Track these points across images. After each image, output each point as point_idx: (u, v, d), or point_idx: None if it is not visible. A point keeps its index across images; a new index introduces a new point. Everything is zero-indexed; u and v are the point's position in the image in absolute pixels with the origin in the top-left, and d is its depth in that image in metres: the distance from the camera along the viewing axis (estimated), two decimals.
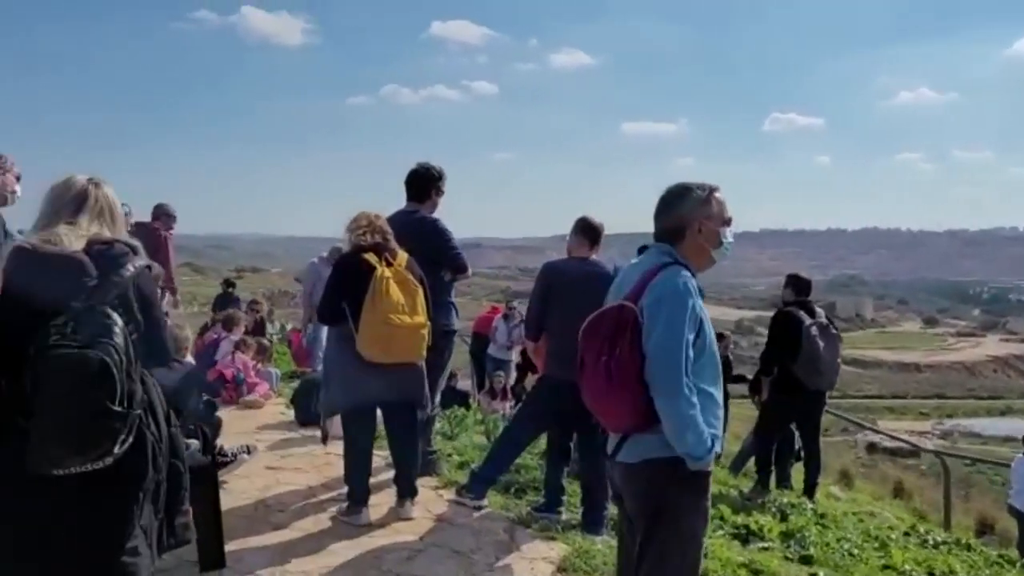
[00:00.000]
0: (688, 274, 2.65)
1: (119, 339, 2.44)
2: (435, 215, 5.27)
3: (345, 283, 4.27)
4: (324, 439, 4.67)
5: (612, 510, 4.80)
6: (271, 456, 5.77)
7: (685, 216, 2.73)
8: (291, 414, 7.12)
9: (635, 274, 2.71)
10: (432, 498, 4.94)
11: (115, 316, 2.48)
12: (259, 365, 8.16)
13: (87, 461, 2.39)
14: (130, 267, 2.61)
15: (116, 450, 2.42)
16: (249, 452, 5.27)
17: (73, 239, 2.53)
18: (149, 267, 2.74)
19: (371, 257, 4.25)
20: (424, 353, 4.37)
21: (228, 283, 14.22)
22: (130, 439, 2.46)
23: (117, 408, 2.40)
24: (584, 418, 4.63)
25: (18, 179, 4.05)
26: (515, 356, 12.57)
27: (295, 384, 9.25)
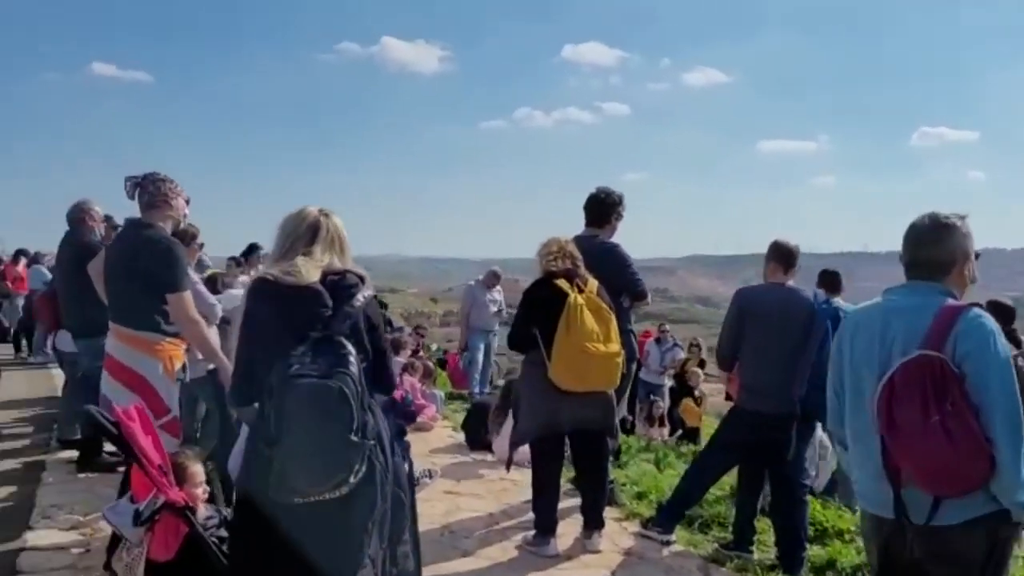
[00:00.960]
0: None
1: (354, 369, 2.46)
2: (614, 239, 5.18)
3: (536, 309, 4.23)
4: (508, 465, 4.63)
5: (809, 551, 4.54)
6: (447, 480, 5.79)
7: (955, 251, 2.49)
8: (459, 436, 7.15)
9: (919, 318, 2.41)
10: (616, 530, 4.81)
11: (349, 346, 2.50)
12: (425, 387, 8.28)
13: (325, 490, 2.41)
14: (360, 297, 2.64)
15: (352, 480, 2.44)
16: (430, 476, 5.30)
17: (310, 269, 2.58)
18: (375, 297, 2.78)
19: (563, 283, 4.19)
20: (618, 381, 4.27)
21: (381, 304, 14.61)
22: (363, 469, 2.47)
23: (354, 438, 2.42)
24: (779, 452, 4.43)
25: (187, 203, 4.21)
26: (667, 381, 12.32)
27: (454, 406, 9.38)
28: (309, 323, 2.50)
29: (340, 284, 2.61)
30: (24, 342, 13.08)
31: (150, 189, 4.00)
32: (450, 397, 9.64)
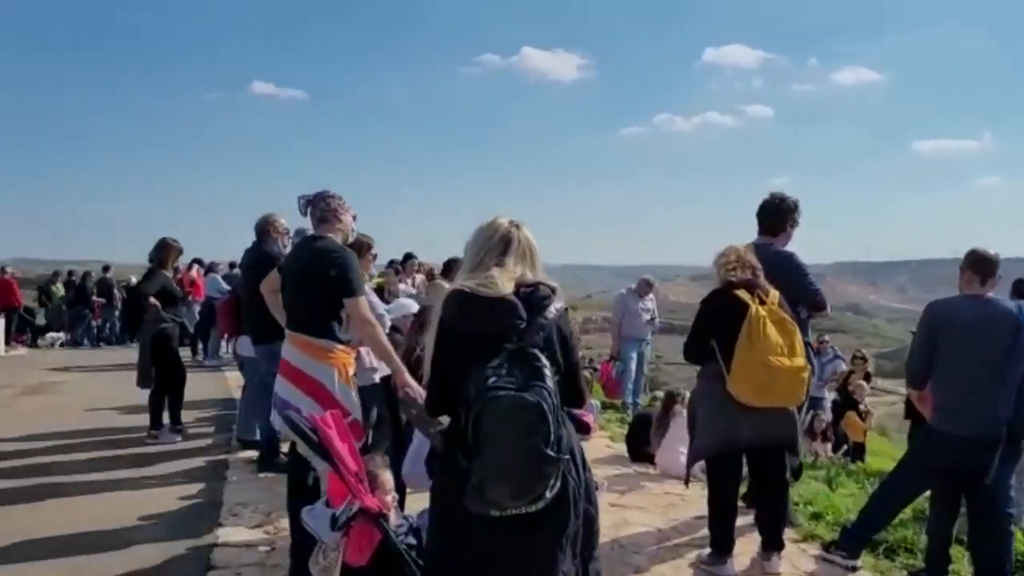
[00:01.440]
0: None
1: (550, 382, 2.43)
2: (789, 248, 4.96)
3: (715, 320, 4.09)
4: (687, 481, 4.50)
5: None
6: (611, 493, 5.72)
7: None
8: (617, 447, 7.06)
9: None
10: (795, 552, 4.58)
11: (543, 358, 2.48)
12: None
13: (522, 504, 2.39)
14: (553, 308, 2.61)
15: (547, 495, 2.41)
16: (597, 488, 5.22)
17: (504, 281, 2.57)
18: (566, 309, 2.75)
19: (743, 294, 4.04)
20: (803, 397, 4.07)
21: None
22: (558, 484, 2.44)
23: (550, 452, 2.39)
24: (978, 477, 4.10)
25: (354, 219, 4.34)
26: (828, 394, 11.78)
27: (607, 415, 9.28)
28: (504, 335, 2.49)
29: (533, 296, 2.59)
30: (200, 346, 14.01)
31: (321, 205, 4.18)
32: (604, 407, 9.54)
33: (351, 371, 4.09)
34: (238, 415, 7.06)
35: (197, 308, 13.76)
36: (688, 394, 5.94)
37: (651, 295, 10.43)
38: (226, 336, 9.68)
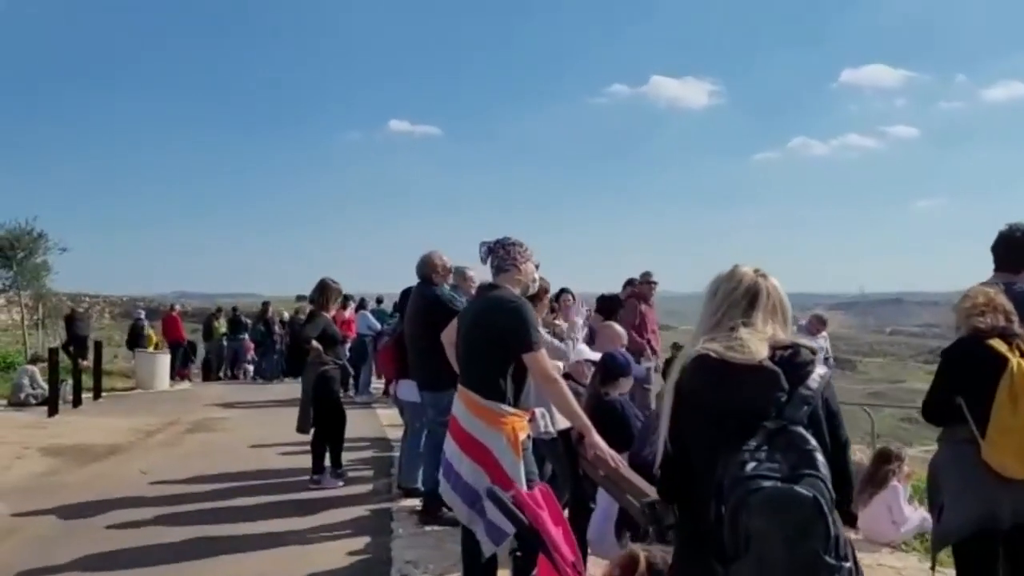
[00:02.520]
0: None
1: (824, 470, 1.96)
2: None
3: (963, 375, 3.47)
4: (932, 565, 3.84)
5: None
6: None
7: None
8: None
9: None
10: None
11: (813, 440, 2.01)
12: None
13: None
14: (816, 376, 2.14)
15: None
16: None
17: (757, 344, 2.13)
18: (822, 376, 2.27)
19: (998, 344, 3.40)
20: None
21: (676, 347, 14.08)
22: None
23: (829, 559, 1.92)
24: None
25: (537, 267, 4.07)
26: None
27: None
28: (762, 410, 2.05)
29: (793, 361, 2.13)
30: (351, 382, 14.15)
31: (500, 253, 3.91)
32: None
33: (522, 436, 3.73)
34: (399, 461, 6.84)
35: (348, 344, 13.90)
36: (903, 452, 5.25)
37: (824, 332, 9.65)
38: (389, 380, 9.53)
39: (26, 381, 12.71)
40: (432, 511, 5.73)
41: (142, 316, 17.54)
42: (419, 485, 6.45)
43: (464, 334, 3.91)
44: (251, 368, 20.14)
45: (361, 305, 13.80)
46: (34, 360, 13.29)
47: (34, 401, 12.34)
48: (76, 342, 15.70)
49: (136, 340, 16.60)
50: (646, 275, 9.40)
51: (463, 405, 3.76)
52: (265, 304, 19.66)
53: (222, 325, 19.40)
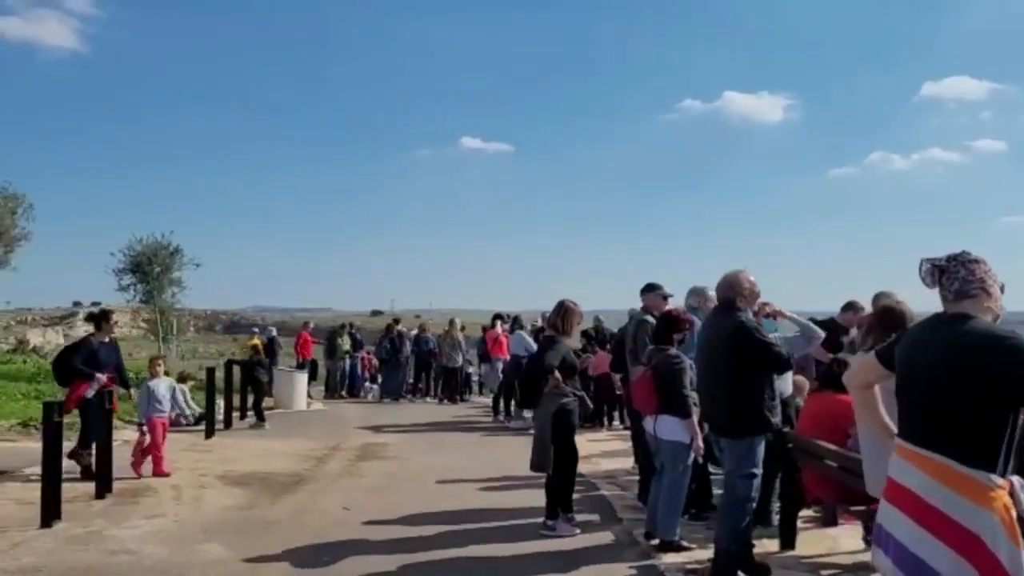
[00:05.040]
0: None
1: None
2: None
3: None
4: None
5: None
6: None
7: None
8: None
9: None
10: None
11: None
12: None
13: None
14: None
15: None
16: None
17: None
18: None
19: None
20: None
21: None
22: None
23: None
24: None
25: (1002, 290, 3.18)
26: None
27: None
28: None
29: None
30: (502, 406, 13.41)
31: (961, 274, 2.99)
32: None
33: (1014, 515, 2.84)
34: (652, 507, 5.98)
35: (500, 366, 13.22)
36: None
37: None
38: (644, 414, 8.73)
39: (179, 399, 12.36)
40: (727, 573, 4.90)
41: (274, 333, 17.22)
42: (677, 537, 5.65)
43: (928, 378, 3.01)
44: (373, 387, 19.71)
45: (516, 324, 13.06)
46: (182, 379, 12.95)
47: (185, 421, 11.96)
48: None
49: (271, 358, 16.26)
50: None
51: (924, 473, 2.89)
52: (393, 321, 19.16)
53: (345, 342, 18.99)
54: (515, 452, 10.24)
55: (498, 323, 13.76)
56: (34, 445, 9.05)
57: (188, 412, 12.12)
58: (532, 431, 11.92)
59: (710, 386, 5.09)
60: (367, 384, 19.66)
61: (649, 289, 7.29)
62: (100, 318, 8.74)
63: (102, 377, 8.05)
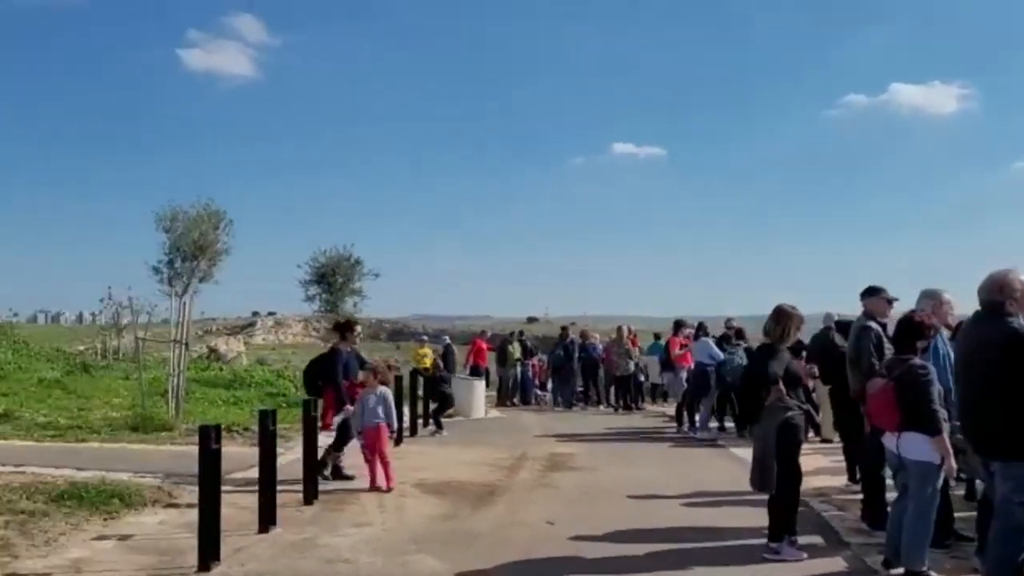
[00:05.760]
0: None
1: None
2: None
3: None
4: None
5: None
6: None
7: None
8: None
9: None
10: None
11: None
12: None
13: None
14: None
15: None
16: None
17: None
18: None
19: None
20: None
21: None
22: None
23: None
24: None
25: None
26: None
27: None
28: None
29: None
30: (685, 416, 12.89)
31: None
32: None
33: None
34: (893, 532, 5.40)
35: (684, 375, 12.75)
36: None
37: None
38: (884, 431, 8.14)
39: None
40: None
41: (448, 341, 17.47)
42: (925, 567, 5.06)
43: None
44: (544, 394, 19.64)
45: (701, 331, 12.54)
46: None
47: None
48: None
49: (449, 366, 16.50)
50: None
51: None
52: (564, 328, 19.04)
53: (516, 350, 19.01)
54: (709, 465, 9.80)
55: (681, 329, 13.26)
56: (237, 450, 9.42)
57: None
58: (721, 443, 11.49)
59: (975, 401, 4.50)
60: (538, 391, 19.61)
61: (871, 292, 6.69)
62: (345, 327, 8.86)
63: (350, 408, 8.17)
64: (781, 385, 5.58)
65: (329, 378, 8.32)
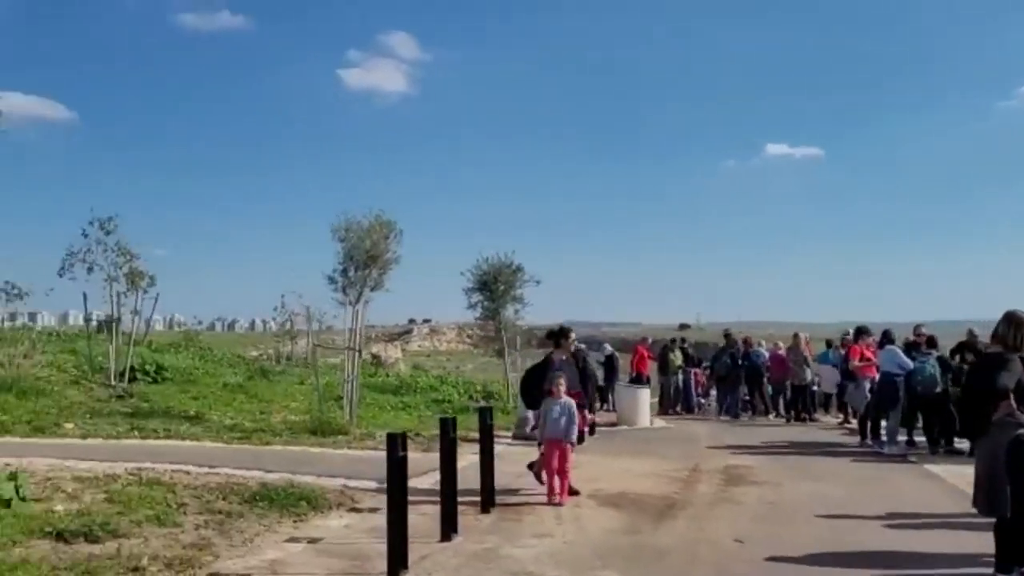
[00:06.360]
0: None
1: None
2: None
3: None
4: None
5: None
6: None
7: None
8: None
9: None
10: None
11: None
12: None
13: None
14: None
15: None
16: None
17: None
18: None
19: None
20: None
21: None
22: None
23: None
24: None
25: None
26: None
27: None
28: None
29: None
30: (869, 429, 12.03)
31: None
32: None
33: None
34: None
35: (868, 385, 11.93)
36: None
37: None
38: None
39: (530, 414, 12.63)
40: None
41: (610, 350, 17.25)
42: None
43: None
44: (707, 403, 19.05)
45: (887, 339, 11.67)
46: None
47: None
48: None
49: (613, 375, 16.30)
50: None
51: None
52: (728, 334, 18.38)
53: (678, 357, 18.52)
54: (903, 483, 9.09)
55: (863, 337, 12.41)
56: (410, 455, 9.52)
57: None
58: (912, 459, 10.64)
59: None
60: (701, 400, 19.03)
61: None
62: (559, 335, 8.67)
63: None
64: (1012, 399, 5.00)
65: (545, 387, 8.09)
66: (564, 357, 8.47)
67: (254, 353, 30.95)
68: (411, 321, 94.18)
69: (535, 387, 8.30)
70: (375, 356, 33.12)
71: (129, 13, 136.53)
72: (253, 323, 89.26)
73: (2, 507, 6.31)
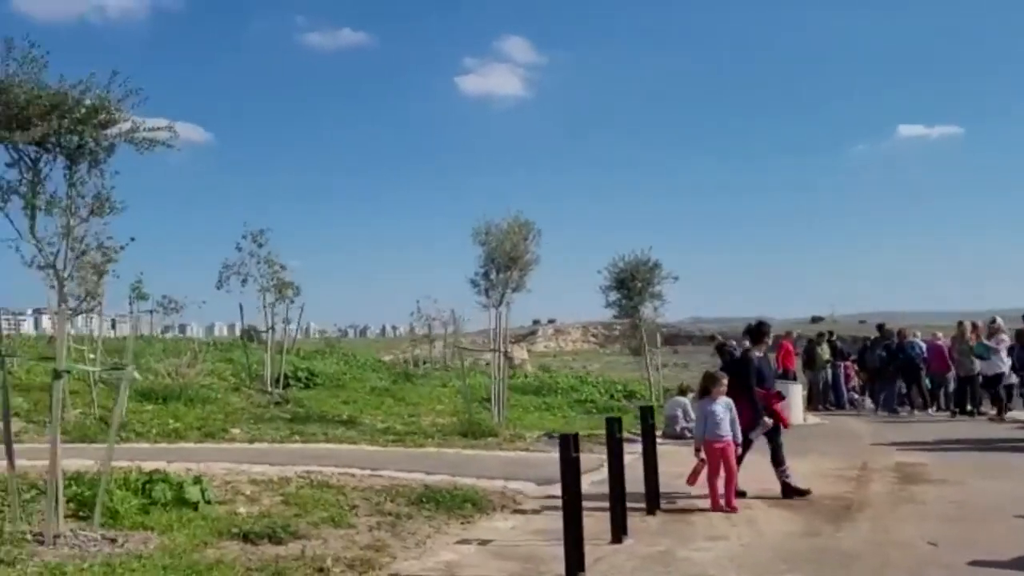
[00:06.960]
0: None
1: None
2: None
3: None
4: None
5: None
6: None
7: None
8: None
9: None
10: None
11: None
12: None
13: None
14: None
15: None
16: None
17: None
18: None
19: None
20: None
21: None
22: None
23: None
24: None
25: None
26: None
27: None
28: None
29: None
30: None
31: None
32: None
33: None
34: None
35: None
36: None
37: None
38: None
39: (679, 413, 12.39)
40: None
41: (734, 345, 16.71)
42: None
43: None
44: (862, 398, 18.15)
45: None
46: (683, 391, 12.97)
47: (689, 434, 11.84)
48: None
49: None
50: None
51: None
52: (882, 326, 17.48)
53: (825, 352, 17.75)
54: None
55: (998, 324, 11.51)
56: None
57: (691, 425, 11.99)
58: None
59: None
60: (855, 395, 18.14)
61: None
62: (757, 331, 8.36)
63: (768, 421, 7.82)
64: None
65: (742, 386, 7.73)
66: (760, 354, 8.16)
67: (387, 358, 31.74)
68: (535, 322, 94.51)
69: (729, 385, 7.68)
70: (508, 357, 33.27)
71: (258, 37, 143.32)
72: (384, 328, 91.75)
73: (190, 509, 6.63)
